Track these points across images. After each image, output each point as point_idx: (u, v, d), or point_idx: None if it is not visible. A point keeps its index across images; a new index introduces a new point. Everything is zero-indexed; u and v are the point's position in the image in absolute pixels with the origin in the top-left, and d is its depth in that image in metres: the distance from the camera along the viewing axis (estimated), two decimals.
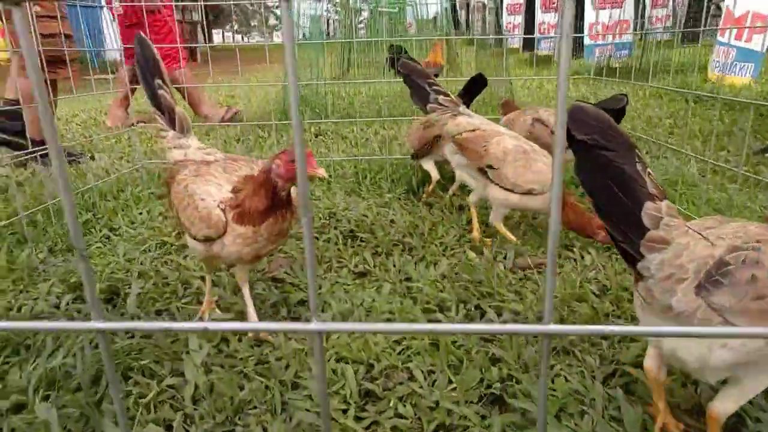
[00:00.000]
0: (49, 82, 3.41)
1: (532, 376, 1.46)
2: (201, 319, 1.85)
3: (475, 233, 2.38)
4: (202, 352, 1.56)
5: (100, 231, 2.60)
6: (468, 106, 2.59)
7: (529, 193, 2.18)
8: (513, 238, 2.32)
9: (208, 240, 1.61)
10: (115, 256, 2.30)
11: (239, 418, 1.39)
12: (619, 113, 2.36)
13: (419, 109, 2.58)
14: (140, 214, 2.84)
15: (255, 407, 1.42)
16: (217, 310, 1.89)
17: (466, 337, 1.65)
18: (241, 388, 1.46)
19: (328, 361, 1.57)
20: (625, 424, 1.30)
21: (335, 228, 2.54)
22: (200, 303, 1.97)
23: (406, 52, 7.94)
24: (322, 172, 1.46)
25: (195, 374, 1.48)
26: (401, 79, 2.47)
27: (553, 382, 1.44)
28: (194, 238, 1.64)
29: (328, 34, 11.97)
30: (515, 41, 16.85)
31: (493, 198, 2.29)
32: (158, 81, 1.80)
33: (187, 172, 1.70)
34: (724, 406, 1.13)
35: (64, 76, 3.41)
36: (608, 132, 0.99)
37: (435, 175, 2.95)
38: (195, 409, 1.41)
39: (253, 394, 1.44)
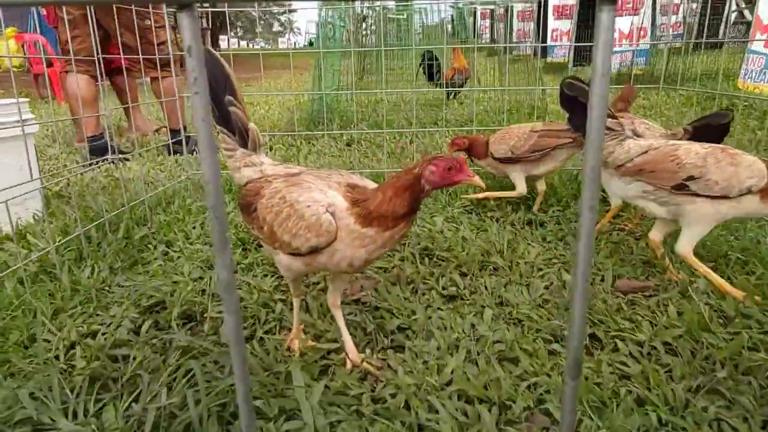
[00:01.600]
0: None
1: (679, 417, 1.33)
2: (290, 348, 1.71)
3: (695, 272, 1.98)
4: (317, 389, 1.41)
5: (156, 247, 2.46)
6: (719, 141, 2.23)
7: (747, 192, 1.87)
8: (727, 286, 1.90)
9: (312, 252, 1.47)
10: (181, 275, 2.16)
11: None
12: (723, 130, 2.21)
13: (579, 136, 2.45)
14: (193, 228, 2.71)
15: None
16: (309, 340, 1.75)
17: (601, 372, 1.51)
18: None
19: (449, 398, 1.43)
20: None
21: (406, 245, 2.41)
22: (284, 328, 1.83)
23: (437, 59, 7.82)
24: (477, 180, 1.42)
25: (312, 416, 1.34)
26: (436, 87, 2.28)
27: (709, 425, 1.30)
28: (294, 253, 1.51)
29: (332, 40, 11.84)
30: (525, 48, 16.81)
31: (698, 217, 1.93)
32: (229, 98, 1.68)
33: (278, 184, 1.58)
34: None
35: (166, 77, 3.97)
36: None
37: (522, 188, 2.82)
38: None
39: None
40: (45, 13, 6.52)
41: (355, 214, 1.42)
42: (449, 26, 10.39)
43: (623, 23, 11.22)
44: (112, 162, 3.71)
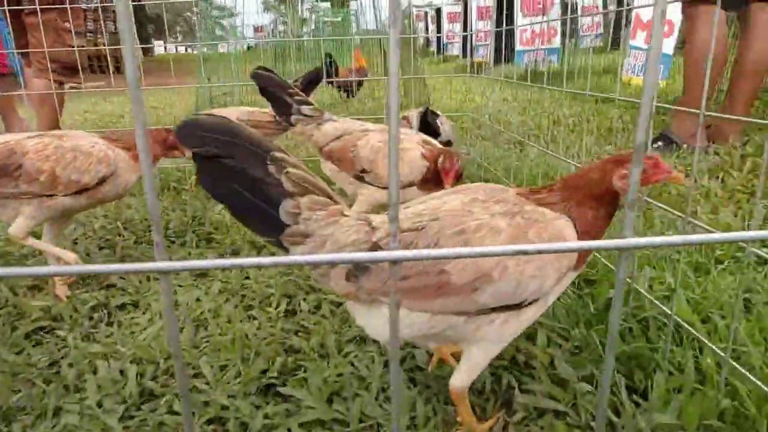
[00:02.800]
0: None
1: (323, 364, 1.46)
2: None
3: None
4: None
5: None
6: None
7: (410, 185, 2.04)
8: None
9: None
10: None
11: (6, 425, 1.33)
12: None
13: (284, 121, 2.55)
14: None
15: (27, 413, 1.36)
16: None
17: (273, 328, 1.64)
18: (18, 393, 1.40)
19: (120, 360, 1.53)
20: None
21: (194, 232, 2.50)
22: None
23: (332, 58, 7.99)
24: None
25: None
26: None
27: (344, 367, 1.44)
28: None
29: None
30: (455, 48, 17.23)
31: (368, 196, 2.13)
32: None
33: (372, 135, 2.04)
34: (460, 380, 1.17)
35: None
36: (224, 140, 0.98)
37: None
38: None
39: (28, 400, 1.39)
40: None
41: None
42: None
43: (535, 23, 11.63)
44: None
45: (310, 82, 2.91)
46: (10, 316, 1.84)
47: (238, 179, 1.00)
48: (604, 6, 15.36)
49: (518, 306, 1.08)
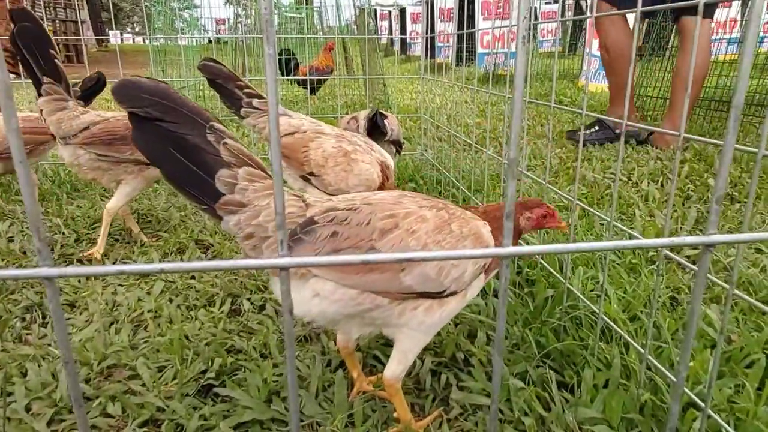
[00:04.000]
0: None
1: (264, 364, 1.46)
2: None
3: None
4: None
5: None
6: (87, 105, 2.43)
7: None
8: None
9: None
10: None
11: None
12: (376, 126, 2.40)
13: (233, 114, 2.50)
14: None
15: None
16: None
17: (215, 328, 1.62)
18: None
19: (52, 361, 1.48)
20: (335, 403, 1.32)
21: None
22: None
23: (293, 55, 7.93)
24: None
25: None
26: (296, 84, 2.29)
27: (276, 366, 1.44)
28: None
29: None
30: (418, 48, 17.36)
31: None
32: (52, 52, 2.04)
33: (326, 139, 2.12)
34: (391, 370, 1.21)
35: None
36: (165, 104, 1.00)
37: None
38: None
39: None
40: None
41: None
42: (354, 26, 10.53)
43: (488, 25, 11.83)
44: None
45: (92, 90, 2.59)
46: None
47: (176, 144, 1.02)
48: (562, 13, 15.86)
49: (440, 294, 1.14)
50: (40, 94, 2.08)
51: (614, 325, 1.39)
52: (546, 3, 15.43)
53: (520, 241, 1.49)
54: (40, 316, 1.76)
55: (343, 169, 2.01)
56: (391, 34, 18.75)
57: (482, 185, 2.91)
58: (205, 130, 1.05)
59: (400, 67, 13.54)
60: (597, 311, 1.40)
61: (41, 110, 2.08)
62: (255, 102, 2.13)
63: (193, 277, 2.00)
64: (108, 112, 2.22)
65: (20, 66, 2.04)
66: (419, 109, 6.82)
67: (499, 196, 2.72)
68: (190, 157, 1.04)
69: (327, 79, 7.71)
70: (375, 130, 2.41)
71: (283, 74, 7.39)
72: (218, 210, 1.09)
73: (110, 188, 2.25)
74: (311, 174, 2.04)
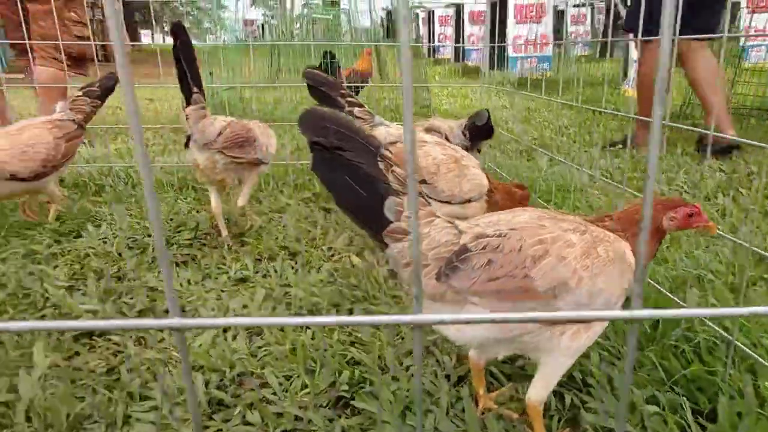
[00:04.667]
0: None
1: (388, 378, 1.48)
2: None
3: None
4: (44, 364, 1.47)
5: None
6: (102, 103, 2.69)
7: (467, 201, 2.06)
8: None
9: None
10: None
11: None
12: (485, 130, 2.40)
13: None
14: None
15: (95, 421, 1.35)
16: None
17: (328, 338, 1.65)
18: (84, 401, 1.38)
19: (176, 366, 1.52)
20: (466, 421, 1.34)
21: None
22: None
23: (334, 57, 7.95)
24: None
25: (30, 389, 1.39)
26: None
27: (408, 381, 1.47)
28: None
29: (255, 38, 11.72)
30: (447, 51, 17.34)
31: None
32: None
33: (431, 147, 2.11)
34: (535, 392, 1.23)
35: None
36: (343, 133, 1.04)
37: None
38: (29, 427, 1.32)
39: (94, 408, 1.37)
40: None
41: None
42: (382, 29, 10.55)
43: (525, 30, 11.76)
44: None
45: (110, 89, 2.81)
46: (52, 317, 1.81)
47: (351, 173, 1.06)
48: (592, 16, 15.69)
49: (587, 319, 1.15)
50: (188, 103, 2.18)
51: (747, 350, 1.39)
52: (574, 6, 15.25)
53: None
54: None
55: (457, 175, 2.01)
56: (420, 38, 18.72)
57: (549, 192, 2.90)
58: (377, 157, 1.08)
59: (432, 70, 13.45)
60: (726, 336, 1.40)
61: (187, 117, 2.17)
62: (356, 111, 2.17)
63: (289, 285, 2.03)
64: (228, 117, 2.37)
65: (178, 77, 2.14)
66: (461, 113, 6.81)
67: (561, 205, 2.71)
68: (364, 185, 1.07)
69: (367, 84, 7.73)
70: (481, 133, 2.42)
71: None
72: (385, 237, 1.11)
73: (233, 186, 2.45)
74: (422, 182, 2.04)
